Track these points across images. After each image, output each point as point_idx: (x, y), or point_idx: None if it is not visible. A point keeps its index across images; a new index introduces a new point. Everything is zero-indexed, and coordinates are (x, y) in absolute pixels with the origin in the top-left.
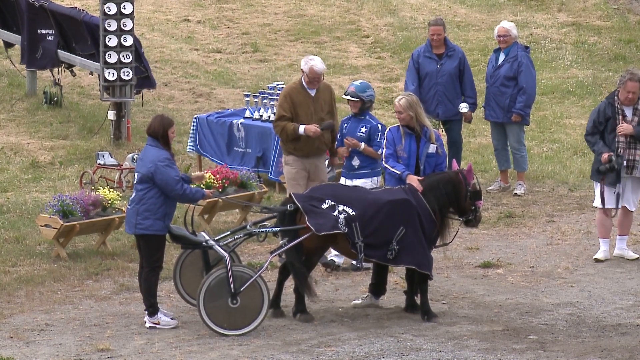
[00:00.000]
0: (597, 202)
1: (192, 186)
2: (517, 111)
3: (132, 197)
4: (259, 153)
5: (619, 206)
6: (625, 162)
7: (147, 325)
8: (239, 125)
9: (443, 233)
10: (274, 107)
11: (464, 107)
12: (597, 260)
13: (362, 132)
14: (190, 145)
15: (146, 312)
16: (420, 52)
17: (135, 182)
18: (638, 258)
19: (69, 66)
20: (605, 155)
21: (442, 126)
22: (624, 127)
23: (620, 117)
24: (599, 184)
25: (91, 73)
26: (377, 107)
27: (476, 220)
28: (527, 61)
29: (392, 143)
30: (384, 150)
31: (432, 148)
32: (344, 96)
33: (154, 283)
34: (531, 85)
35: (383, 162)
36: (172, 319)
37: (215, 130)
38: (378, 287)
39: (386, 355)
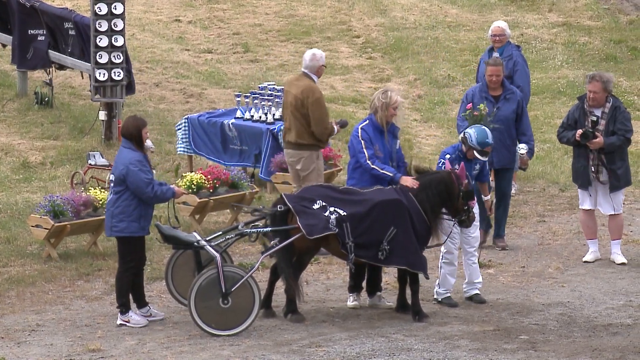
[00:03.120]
0: (582, 205)
1: (163, 186)
2: None
3: (108, 199)
4: (256, 151)
5: (595, 208)
6: (593, 167)
7: (118, 322)
8: (230, 126)
9: (436, 233)
10: (265, 107)
11: (522, 149)
12: (586, 262)
13: (475, 170)
14: (180, 147)
15: (118, 310)
16: (475, 92)
17: (111, 185)
18: (624, 264)
19: (61, 67)
20: (580, 131)
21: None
22: (595, 142)
23: (588, 118)
24: (583, 190)
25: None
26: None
27: (469, 220)
28: (522, 60)
29: (370, 143)
30: (366, 150)
31: (398, 144)
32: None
33: (126, 282)
34: (527, 85)
35: (369, 163)
36: (151, 317)
37: (208, 130)
38: (371, 287)
39: (377, 356)
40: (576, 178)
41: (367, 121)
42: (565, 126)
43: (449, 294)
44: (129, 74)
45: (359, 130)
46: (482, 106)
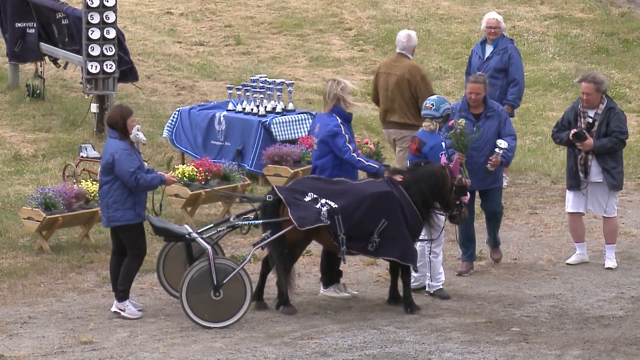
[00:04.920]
0: (567, 207)
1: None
2: (509, 103)
3: (100, 191)
4: (239, 146)
5: (585, 211)
6: (580, 167)
7: (113, 309)
8: (221, 118)
9: (429, 226)
10: (257, 100)
11: (501, 144)
12: (569, 265)
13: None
14: (166, 132)
15: (115, 296)
16: (456, 110)
17: (100, 175)
18: (610, 268)
19: (54, 59)
20: (573, 131)
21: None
22: (585, 143)
23: (582, 119)
24: (570, 191)
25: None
26: (360, 100)
27: (461, 216)
28: (516, 53)
29: (350, 136)
30: (350, 144)
31: None
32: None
33: (134, 270)
34: (521, 78)
35: (354, 156)
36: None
37: (195, 122)
38: (328, 277)
39: (369, 347)
40: (566, 179)
41: (334, 114)
42: (559, 127)
43: (441, 286)
44: (129, 62)
45: (339, 125)
46: (461, 121)
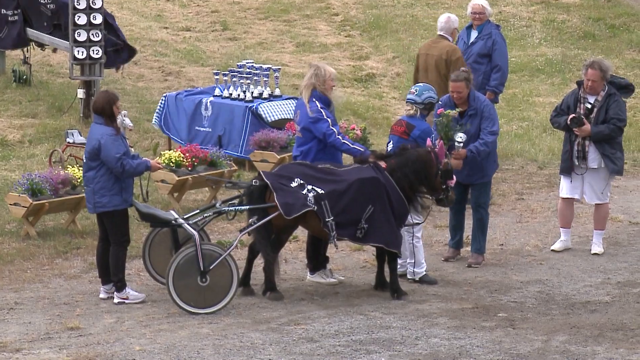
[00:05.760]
0: (561, 192)
1: (135, 160)
2: (492, 89)
3: (86, 176)
4: (221, 132)
5: (580, 197)
6: (575, 153)
7: (116, 300)
8: (208, 104)
9: (415, 211)
10: (244, 85)
11: (460, 137)
12: (553, 251)
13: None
14: (155, 118)
15: (114, 288)
16: (442, 104)
17: (84, 161)
18: (597, 254)
19: (41, 45)
20: (571, 116)
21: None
22: (582, 129)
23: (581, 105)
24: (565, 177)
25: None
26: (347, 86)
27: (448, 199)
28: (500, 39)
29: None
30: (334, 127)
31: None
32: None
33: (122, 258)
34: (505, 64)
35: (339, 138)
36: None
37: (181, 108)
38: (314, 263)
39: (356, 333)
40: (561, 163)
41: (314, 99)
42: (558, 111)
43: (425, 272)
44: (124, 42)
45: (320, 110)
46: (448, 112)
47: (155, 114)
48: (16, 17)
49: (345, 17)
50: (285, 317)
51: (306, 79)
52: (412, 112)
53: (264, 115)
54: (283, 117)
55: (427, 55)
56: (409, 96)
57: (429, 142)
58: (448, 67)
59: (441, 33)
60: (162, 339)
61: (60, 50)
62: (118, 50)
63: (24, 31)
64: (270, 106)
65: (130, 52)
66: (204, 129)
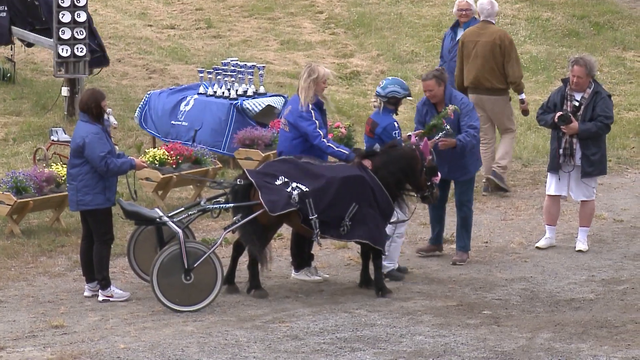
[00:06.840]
0: (548, 189)
1: (120, 159)
2: None
3: (69, 173)
4: (198, 127)
5: (566, 194)
6: (562, 151)
7: (100, 298)
8: (191, 101)
9: (401, 209)
10: (228, 83)
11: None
12: (538, 248)
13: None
14: (137, 115)
15: (98, 286)
16: (420, 103)
17: (69, 159)
18: (581, 251)
19: (29, 44)
20: (558, 114)
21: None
22: (570, 126)
23: (568, 102)
24: (552, 174)
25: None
26: (332, 83)
27: (432, 196)
28: None
29: (322, 121)
30: (321, 130)
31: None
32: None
33: (106, 256)
34: None
35: (324, 142)
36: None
37: (162, 104)
38: (299, 261)
39: (340, 331)
40: (549, 161)
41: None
42: (544, 108)
43: (393, 267)
44: (100, 47)
45: (310, 111)
46: (451, 107)
47: (137, 110)
48: (4, 14)
49: (330, 15)
50: (270, 314)
51: (303, 79)
52: (376, 104)
53: (250, 108)
54: (268, 104)
55: (476, 42)
56: (377, 89)
57: (413, 138)
58: (503, 52)
59: (488, 19)
60: (147, 336)
61: (43, 47)
62: (93, 51)
63: (9, 29)
64: (255, 103)
65: (104, 59)
66: (179, 123)
